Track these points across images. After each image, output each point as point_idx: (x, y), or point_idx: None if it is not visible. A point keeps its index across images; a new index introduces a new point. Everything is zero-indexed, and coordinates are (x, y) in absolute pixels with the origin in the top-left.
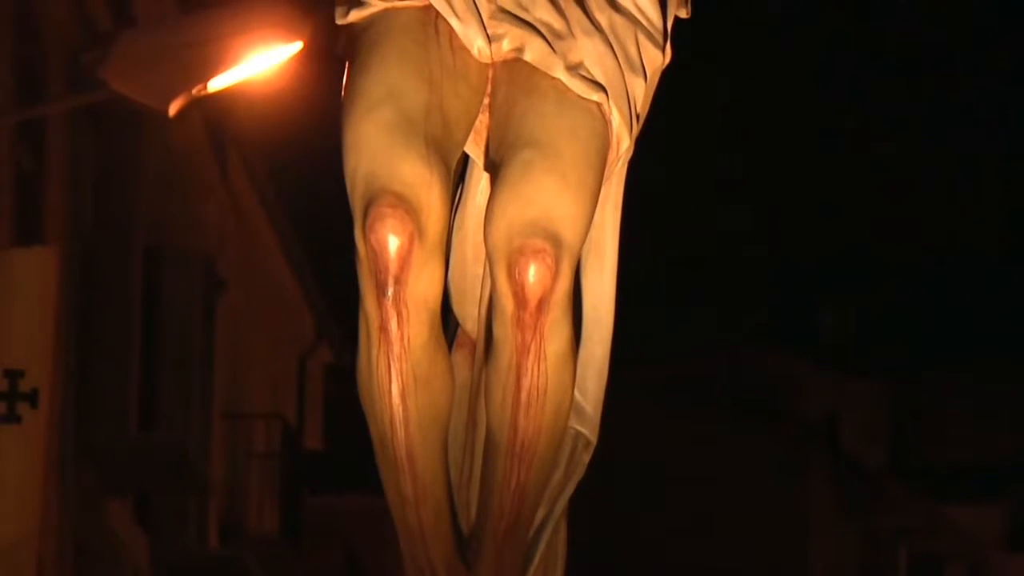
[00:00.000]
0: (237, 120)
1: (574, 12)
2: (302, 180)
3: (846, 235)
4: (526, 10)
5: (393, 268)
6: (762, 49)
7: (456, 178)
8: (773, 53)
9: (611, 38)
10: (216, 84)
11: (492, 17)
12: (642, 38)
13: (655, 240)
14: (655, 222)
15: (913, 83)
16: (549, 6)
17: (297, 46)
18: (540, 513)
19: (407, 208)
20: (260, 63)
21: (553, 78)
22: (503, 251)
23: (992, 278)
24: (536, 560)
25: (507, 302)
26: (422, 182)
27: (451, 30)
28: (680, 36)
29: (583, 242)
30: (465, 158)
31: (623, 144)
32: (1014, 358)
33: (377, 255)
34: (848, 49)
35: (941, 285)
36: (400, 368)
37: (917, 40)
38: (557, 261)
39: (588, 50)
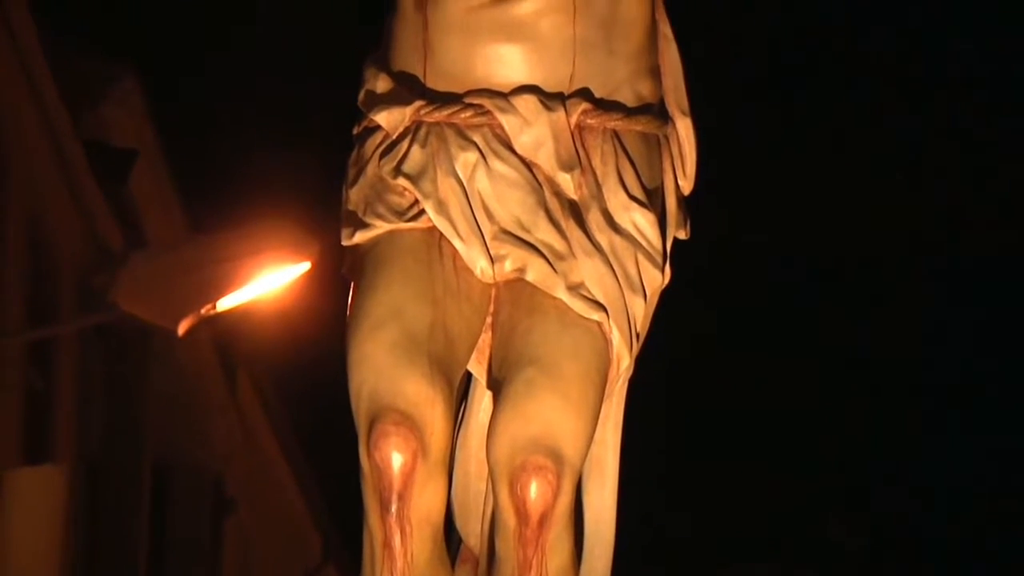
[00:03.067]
0: (246, 339)
1: (575, 233)
2: (309, 398)
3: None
4: (528, 231)
5: (397, 485)
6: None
7: (459, 396)
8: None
9: (611, 259)
10: (225, 304)
11: (495, 238)
12: (642, 259)
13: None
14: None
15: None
16: (550, 227)
17: (305, 267)
18: None
19: (411, 426)
20: (269, 283)
21: (555, 298)
22: (505, 467)
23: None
24: None
25: (509, 518)
26: (425, 400)
27: (455, 251)
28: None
29: (584, 459)
30: (468, 376)
31: (623, 362)
32: None
33: (381, 472)
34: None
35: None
36: None
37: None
38: (559, 478)
39: (589, 270)
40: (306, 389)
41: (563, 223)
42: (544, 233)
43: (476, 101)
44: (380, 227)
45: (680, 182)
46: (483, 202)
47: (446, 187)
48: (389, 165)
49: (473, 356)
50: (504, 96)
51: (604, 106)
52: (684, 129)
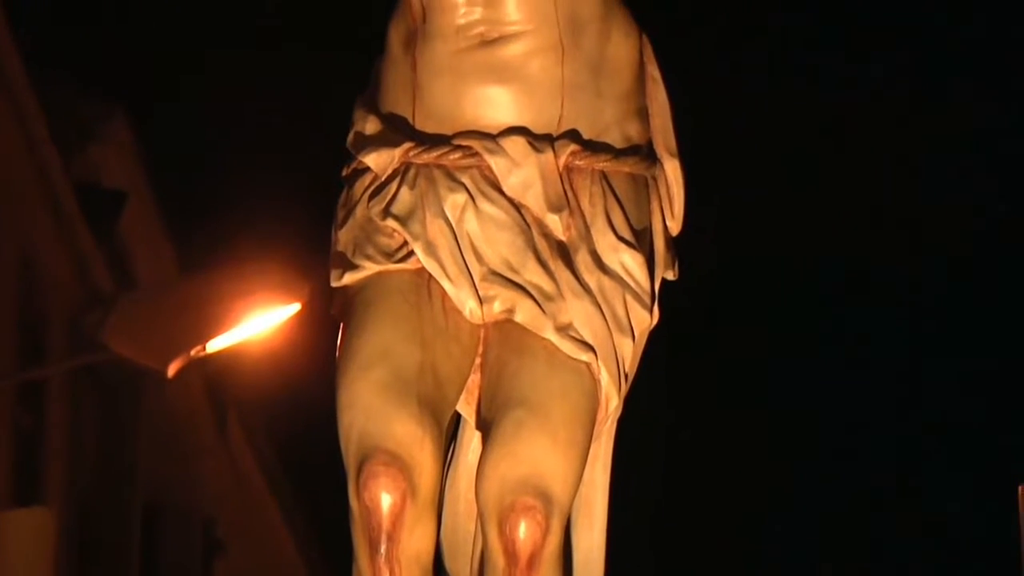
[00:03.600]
0: (236, 380)
1: (563, 274)
2: (299, 439)
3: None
4: (516, 272)
5: (386, 525)
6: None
7: (448, 437)
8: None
9: (600, 300)
10: (215, 345)
11: (483, 279)
12: (630, 300)
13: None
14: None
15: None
16: (539, 268)
17: (295, 308)
18: None
19: (400, 466)
20: (259, 325)
21: (543, 338)
22: (494, 508)
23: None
24: None
25: (498, 558)
26: (414, 441)
27: (443, 292)
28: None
29: (573, 499)
30: (457, 417)
31: (612, 403)
32: None
33: (370, 512)
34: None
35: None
36: None
37: None
38: (547, 518)
39: (577, 311)
40: (296, 430)
41: (551, 264)
42: (533, 274)
43: (465, 143)
44: (369, 268)
45: (668, 223)
46: (472, 243)
47: (435, 228)
48: (378, 207)
49: (462, 397)
50: (493, 138)
51: (592, 147)
52: (672, 170)
